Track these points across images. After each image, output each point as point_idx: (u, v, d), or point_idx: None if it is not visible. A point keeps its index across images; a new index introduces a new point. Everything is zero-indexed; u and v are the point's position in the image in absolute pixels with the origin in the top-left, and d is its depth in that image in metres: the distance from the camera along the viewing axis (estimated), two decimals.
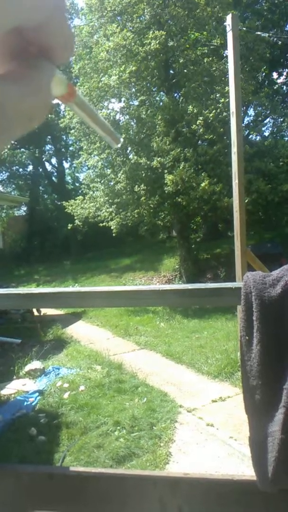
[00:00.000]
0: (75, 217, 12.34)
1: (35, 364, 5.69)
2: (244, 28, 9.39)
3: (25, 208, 24.44)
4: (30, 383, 5.21)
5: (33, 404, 4.55)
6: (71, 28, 0.32)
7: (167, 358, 6.17)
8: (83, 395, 4.67)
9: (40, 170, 24.14)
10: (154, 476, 1.13)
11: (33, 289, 1.12)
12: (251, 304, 0.98)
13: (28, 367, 5.63)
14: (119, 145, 0.44)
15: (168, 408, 4.34)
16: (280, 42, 12.81)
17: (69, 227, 13.44)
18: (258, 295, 0.98)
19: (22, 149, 22.41)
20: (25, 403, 4.54)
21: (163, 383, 5.10)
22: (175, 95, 11.16)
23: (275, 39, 12.01)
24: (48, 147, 24.02)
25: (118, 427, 3.93)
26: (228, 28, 5.20)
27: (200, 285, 1.04)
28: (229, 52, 5.16)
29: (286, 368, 0.94)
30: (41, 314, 8.83)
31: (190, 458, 3.51)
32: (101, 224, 11.96)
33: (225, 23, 5.56)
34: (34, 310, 8.60)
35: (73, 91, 0.35)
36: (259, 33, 10.05)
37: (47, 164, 24.49)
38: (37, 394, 4.78)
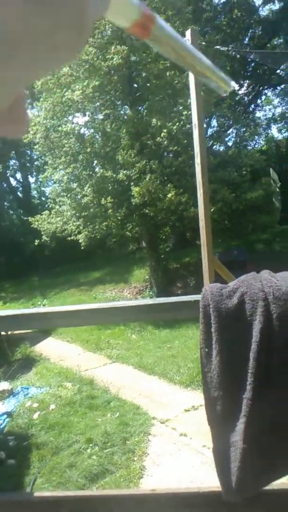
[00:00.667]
0: (42, 232, 12.18)
1: (3, 385, 5.52)
2: (204, 43, 9.65)
3: None
4: None
5: (1, 427, 4.40)
6: None
7: (139, 370, 6.14)
8: (53, 414, 4.56)
9: (5, 185, 23.74)
10: (122, 495, 1.11)
11: None
12: (209, 316, 1.00)
13: None
14: (228, 92, 0.35)
15: (141, 421, 4.31)
16: (238, 56, 13.25)
17: (35, 243, 13.24)
18: (216, 307, 0.99)
19: None
20: None
21: (135, 395, 5.06)
22: (139, 108, 11.29)
23: (233, 52, 12.42)
24: (12, 162, 23.70)
25: (91, 445, 3.86)
26: (188, 43, 5.34)
27: (160, 300, 1.05)
28: None
29: (245, 378, 0.95)
30: (8, 333, 8.60)
31: (164, 470, 3.48)
32: (69, 238, 11.84)
33: (185, 38, 5.69)
34: None
35: (149, 19, 0.26)
36: (218, 47, 10.37)
37: (11, 179, 24.15)
38: (5, 416, 4.63)
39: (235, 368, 0.97)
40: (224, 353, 0.97)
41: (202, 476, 3.30)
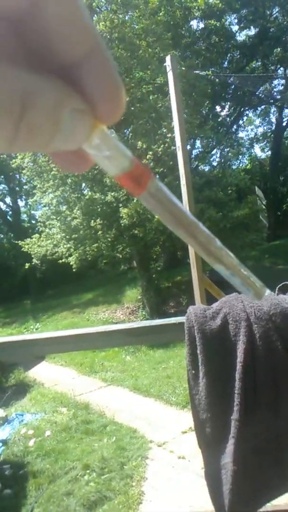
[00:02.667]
0: (33, 256, 12.17)
1: None
2: (183, 68, 9.94)
3: None
4: None
5: None
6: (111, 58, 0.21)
7: (134, 393, 6.08)
8: (49, 441, 4.48)
9: None
10: None
11: None
12: (195, 338, 1.02)
13: None
14: (262, 297, 0.29)
15: (138, 444, 4.25)
16: (218, 80, 13.63)
17: (26, 267, 13.21)
18: (200, 329, 1.01)
19: None
20: None
21: (131, 419, 5.00)
22: (125, 131, 11.50)
23: (212, 76, 12.78)
24: (1, 186, 23.77)
25: (88, 471, 3.79)
26: (168, 68, 5.51)
27: (145, 323, 1.07)
28: (171, 90, 5.44)
29: (232, 399, 0.97)
30: (1, 359, 8.48)
31: (163, 494, 3.43)
32: (60, 261, 11.84)
33: (165, 64, 5.86)
34: None
35: (144, 173, 0.24)
36: (197, 71, 10.66)
37: (1, 203, 24.16)
38: (0, 444, 4.54)
39: (222, 389, 0.99)
40: (211, 375, 0.99)
41: (202, 499, 3.24)
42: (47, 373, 8.03)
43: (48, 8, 0.19)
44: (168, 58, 5.40)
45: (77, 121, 0.21)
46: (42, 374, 8.01)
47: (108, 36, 10.20)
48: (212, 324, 1.02)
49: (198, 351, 1.00)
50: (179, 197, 7.95)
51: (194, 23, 15.23)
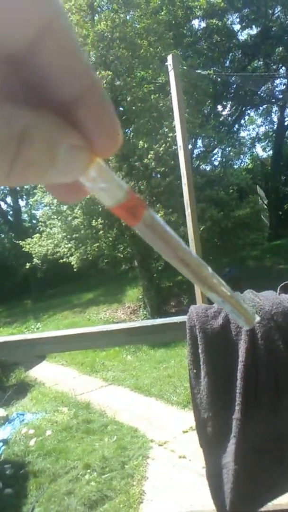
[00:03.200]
0: (34, 255, 12.18)
1: None
2: (185, 67, 9.94)
3: None
4: None
5: None
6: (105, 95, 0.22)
7: (135, 392, 6.07)
8: (50, 440, 4.48)
9: None
10: None
11: None
12: (196, 337, 1.02)
13: None
14: (253, 324, 0.30)
15: (139, 444, 4.25)
16: (220, 79, 13.63)
17: (27, 266, 13.22)
18: (202, 328, 1.01)
19: None
20: None
21: (132, 418, 4.99)
22: (126, 131, 11.49)
23: (214, 76, 12.78)
24: (1, 186, 23.79)
25: (89, 470, 3.79)
26: (170, 68, 5.51)
27: (146, 322, 1.07)
28: (172, 89, 5.45)
29: (234, 398, 0.97)
30: (3, 358, 8.50)
31: (164, 494, 3.43)
32: (61, 260, 11.84)
33: (167, 63, 5.87)
34: None
35: (139, 204, 0.24)
36: (199, 71, 10.66)
37: (2, 203, 24.18)
38: (1, 444, 4.54)
39: (223, 389, 0.98)
40: (212, 374, 0.99)
41: (203, 498, 3.24)
42: (48, 373, 8.04)
43: (48, 49, 0.19)
44: (169, 58, 5.41)
45: (74, 156, 0.21)
46: (43, 373, 8.02)
47: (110, 36, 10.20)
48: (213, 324, 1.01)
49: (200, 351, 1.00)
50: (180, 196, 7.95)
51: (195, 22, 15.24)
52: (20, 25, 0.18)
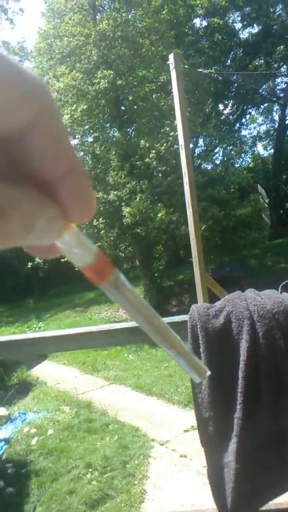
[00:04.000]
0: None
1: (0, 411, 5.44)
2: (186, 66, 9.92)
3: None
4: None
5: None
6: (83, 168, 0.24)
7: (137, 391, 6.08)
8: (52, 439, 4.49)
9: None
10: None
11: None
12: (197, 336, 1.02)
13: None
14: (204, 378, 0.31)
15: (141, 443, 4.25)
16: (221, 77, 13.61)
17: (29, 266, 13.24)
18: (203, 327, 1.01)
19: None
20: None
21: (134, 417, 5.00)
22: (128, 130, 11.50)
23: (215, 74, 12.76)
24: None
25: (90, 469, 3.79)
26: (171, 67, 5.49)
27: None
28: (174, 88, 5.43)
29: (236, 397, 0.97)
30: (5, 357, 8.52)
31: (165, 493, 3.43)
32: (63, 260, 11.84)
33: (168, 62, 5.85)
34: None
35: (104, 269, 0.26)
36: (200, 70, 10.64)
37: None
38: (3, 443, 4.55)
39: (225, 388, 0.99)
40: (214, 373, 0.99)
41: (204, 497, 3.24)
42: (50, 372, 8.05)
43: (36, 135, 0.21)
44: (171, 56, 5.38)
45: (50, 225, 0.23)
46: (44, 373, 8.03)
47: (111, 35, 10.19)
48: (215, 323, 1.01)
49: (201, 350, 1.00)
50: (182, 195, 7.94)
51: (197, 21, 15.22)
52: (11, 116, 0.19)
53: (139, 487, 3.49)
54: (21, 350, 1.08)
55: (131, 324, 1.06)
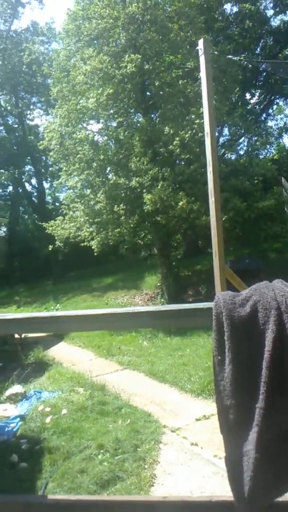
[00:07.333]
0: (56, 238, 12.30)
1: (16, 388, 5.56)
2: (216, 52, 9.71)
3: (5, 229, 24.22)
4: (11, 408, 5.08)
5: (14, 429, 4.43)
6: None
7: (150, 378, 6.13)
8: (65, 419, 4.57)
9: (20, 190, 23.99)
10: (133, 501, 1.12)
11: (5, 315, 1.12)
12: (222, 324, 1.01)
13: (8, 392, 5.50)
14: None
15: (152, 428, 4.29)
16: (250, 65, 13.27)
17: (49, 249, 13.37)
18: (229, 315, 1.00)
19: (1, 170, 22.31)
20: (6, 429, 4.42)
21: (146, 403, 5.05)
22: (152, 116, 11.37)
23: (245, 62, 12.46)
24: (27, 167, 23.96)
25: (102, 451, 3.85)
26: (200, 52, 5.38)
27: (173, 307, 1.06)
28: (202, 75, 5.33)
29: (258, 387, 0.96)
30: (22, 336, 8.69)
31: (175, 479, 3.46)
32: (82, 244, 11.93)
33: (197, 48, 5.73)
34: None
35: None
36: (230, 56, 10.40)
37: (27, 184, 24.40)
38: (18, 419, 4.66)
39: (248, 377, 0.98)
40: (237, 362, 0.98)
41: (213, 486, 3.26)
42: (66, 353, 8.19)
43: None
44: (200, 42, 5.27)
45: None
46: (60, 354, 8.17)
47: (140, 18, 10.03)
48: (241, 311, 1.00)
49: (226, 337, 0.99)
50: (204, 184, 7.85)
51: (227, 7, 14.80)
52: None
53: (149, 471, 3.53)
54: (48, 326, 1.09)
55: (156, 308, 1.05)
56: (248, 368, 0.98)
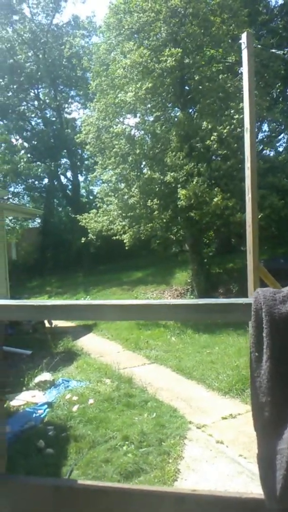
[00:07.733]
0: (89, 231, 12.45)
1: (45, 376, 5.70)
2: (259, 46, 9.49)
3: (39, 220, 24.72)
4: (39, 395, 5.21)
5: (42, 416, 4.55)
6: None
7: (177, 373, 6.12)
8: (92, 409, 4.65)
9: (55, 183, 24.42)
10: (161, 491, 1.12)
11: (45, 301, 1.14)
12: (261, 320, 0.99)
13: (38, 379, 5.64)
14: None
15: (178, 424, 4.29)
16: None
17: (82, 241, 13.54)
18: (268, 312, 0.98)
19: (38, 163, 22.75)
20: (34, 415, 4.54)
21: (173, 398, 5.05)
22: (190, 111, 11.26)
23: None
24: (63, 160, 24.34)
25: (127, 442, 3.89)
26: (243, 46, 5.26)
27: (211, 301, 1.05)
28: (244, 69, 5.22)
29: None
30: (52, 325, 8.87)
31: (198, 475, 3.45)
32: (114, 237, 12.03)
33: (240, 41, 5.62)
34: (46, 322, 8.63)
35: None
36: (273, 50, 10.15)
37: (62, 177, 24.79)
38: (46, 406, 4.78)
39: (285, 375, 0.95)
40: (275, 359, 0.95)
41: (237, 485, 3.24)
42: (94, 344, 8.30)
43: None
44: (244, 35, 5.16)
45: None
46: (89, 344, 8.28)
47: (182, 12, 9.93)
48: (281, 308, 0.98)
49: (264, 334, 0.97)
50: (240, 181, 7.70)
51: None
52: None
53: (173, 466, 3.54)
54: (83, 314, 1.11)
55: (194, 301, 1.05)
56: (286, 366, 0.95)
